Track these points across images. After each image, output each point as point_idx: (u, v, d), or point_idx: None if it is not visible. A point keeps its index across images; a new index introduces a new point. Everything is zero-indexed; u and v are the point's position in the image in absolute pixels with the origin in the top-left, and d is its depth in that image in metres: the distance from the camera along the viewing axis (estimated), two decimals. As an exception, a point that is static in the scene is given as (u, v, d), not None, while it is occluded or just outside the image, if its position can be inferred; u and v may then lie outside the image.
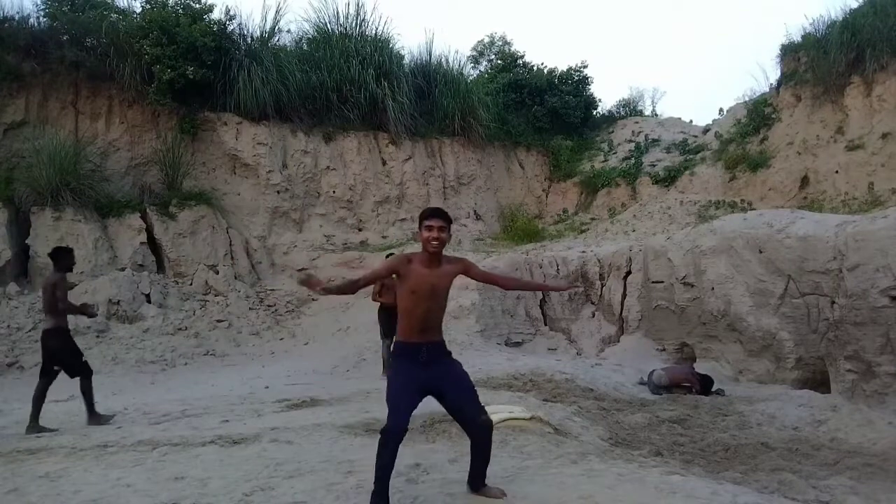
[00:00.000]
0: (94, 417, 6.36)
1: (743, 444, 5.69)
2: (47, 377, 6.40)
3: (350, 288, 3.80)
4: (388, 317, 9.49)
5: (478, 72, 21.68)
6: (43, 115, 13.17)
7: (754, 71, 46.61)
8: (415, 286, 3.54)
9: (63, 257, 6.64)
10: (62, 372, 6.50)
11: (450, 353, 3.76)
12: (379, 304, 9.48)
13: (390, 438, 3.36)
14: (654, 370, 8.58)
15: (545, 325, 11.82)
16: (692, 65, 46.31)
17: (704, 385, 8.22)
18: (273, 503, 3.67)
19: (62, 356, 6.44)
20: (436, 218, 3.56)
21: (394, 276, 3.65)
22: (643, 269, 11.07)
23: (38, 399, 6.22)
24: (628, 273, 11.57)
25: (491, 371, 8.63)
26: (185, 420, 6.21)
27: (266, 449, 4.83)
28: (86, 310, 6.97)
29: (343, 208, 15.13)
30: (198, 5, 14.11)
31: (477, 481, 3.63)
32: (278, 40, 15.82)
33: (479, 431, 3.58)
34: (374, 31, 16.60)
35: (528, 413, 5.27)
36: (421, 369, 3.55)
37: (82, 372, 6.44)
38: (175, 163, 13.54)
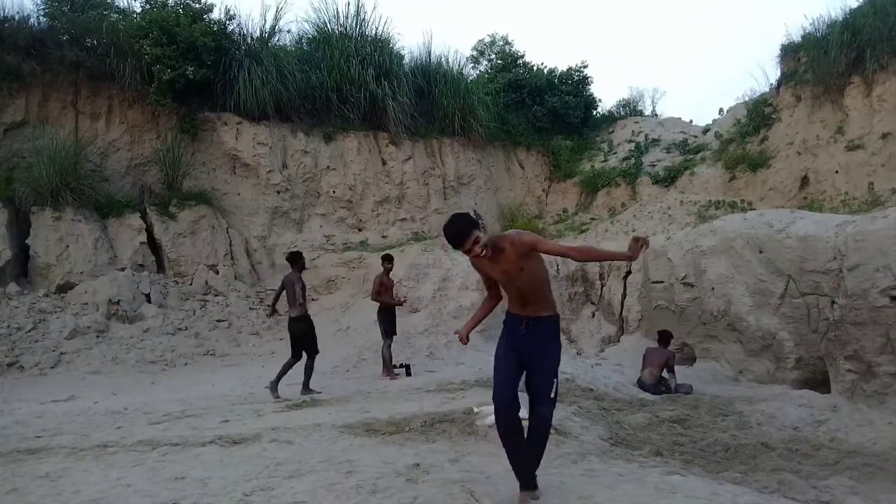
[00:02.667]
0: (307, 391, 7.80)
1: (743, 444, 5.69)
2: (296, 358, 7.96)
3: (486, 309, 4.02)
4: (387, 317, 9.51)
5: (478, 72, 21.67)
6: (43, 115, 13.16)
7: (754, 71, 46.72)
8: (494, 276, 3.73)
9: (299, 259, 8.33)
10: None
11: (554, 332, 3.83)
12: (378, 303, 9.50)
13: (497, 409, 3.53)
14: (639, 376, 8.59)
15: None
16: (692, 65, 46.35)
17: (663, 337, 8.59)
18: (273, 503, 3.67)
19: (305, 338, 7.99)
20: (459, 242, 3.46)
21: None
22: (643, 269, 11.07)
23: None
24: (628, 273, 11.57)
25: (491, 371, 8.63)
26: (185, 420, 6.22)
27: (266, 449, 4.83)
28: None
29: (343, 208, 15.12)
30: (198, 5, 14.11)
31: (521, 480, 3.63)
32: (278, 40, 15.84)
33: (533, 420, 3.64)
34: (374, 31, 16.60)
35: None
36: (519, 340, 3.66)
37: (314, 352, 8.07)
38: (175, 163, 13.53)
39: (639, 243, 3.38)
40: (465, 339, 3.83)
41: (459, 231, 3.45)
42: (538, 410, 3.63)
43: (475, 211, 17.06)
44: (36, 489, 4.07)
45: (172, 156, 13.53)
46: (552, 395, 3.67)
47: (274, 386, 7.69)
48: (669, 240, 10.76)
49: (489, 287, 3.92)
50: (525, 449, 3.62)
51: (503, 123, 18.14)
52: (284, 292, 8.24)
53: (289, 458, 4.49)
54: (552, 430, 5.19)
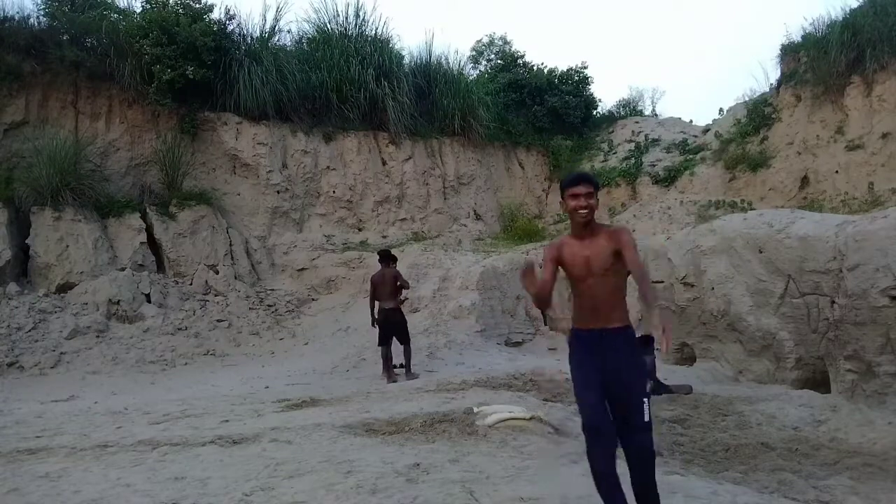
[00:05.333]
0: (410, 375, 8.70)
1: (743, 444, 5.68)
2: (387, 344, 8.86)
3: (545, 299, 3.35)
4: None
5: (478, 72, 21.66)
6: (43, 115, 13.17)
7: (754, 71, 46.69)
8: (570, 262, 3.22)
9: (390, 256, 9.37)
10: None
11: (636, 344, 3.28)
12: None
13: (590, 437, 2.99)
14: None
15: (545, 324, 11.81)
16: (692, 65, 46.31)
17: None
18: (273, 503, 3.67)
19: (400, 328, 8.95)
20: (583, 184, 3.21)
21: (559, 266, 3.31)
22: (643, 269, 11.06)
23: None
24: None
25: (491, 371, 8.64)
26: (185, 420, 6.21)
27: (266, 449, 4.83)
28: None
29: (343, 208, 15.13)
30: (198, 5, 14.11)
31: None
32: (278, 40, 15.83)
33: (633, 453, 3.06)
34: (373, 31, 16.61)
35: (528, 413, 5.27)
36: (598, 358, 3.13)
37: (408, 340, 9.03)
38: (175, 163, 13.54)
39: (662, 330, 3.03)
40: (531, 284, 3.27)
41: (593, 178, 3.33)
42: (636, 440, 3.06)
43: (475, 211, 17.08)
44: (36, 489, 4.07)
45: (172, 156, 13.54)
46: (647, 419, 3.09)
47: (408, 369, 8.84)
48: (669, 240, 10.76)
49: (548, 288, 3.31)
50: (634, 482, 3.07)
51: (503, 123, 18.13)
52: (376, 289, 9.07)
53: (289, 458, 4.49)
54: (552, 430, 5.21)
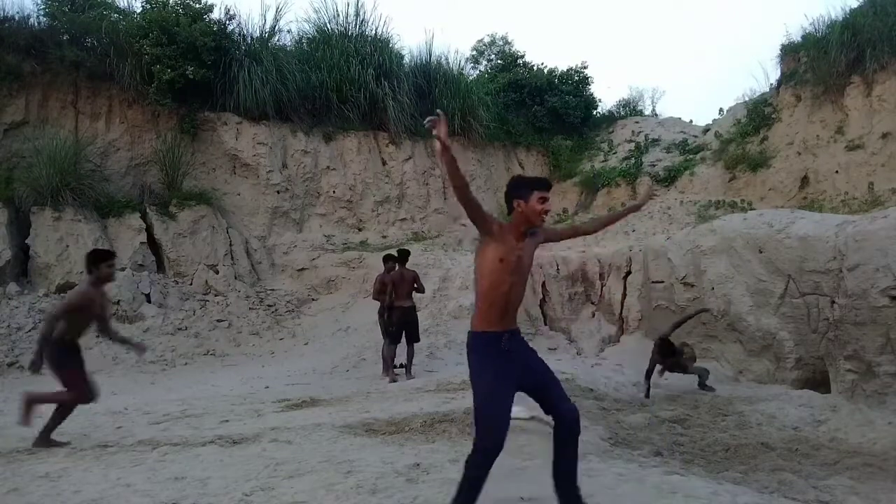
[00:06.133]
0: (410, 375, 8.88)
1: (743, 444, 5.69)
2: (399, 342, 9.03)
3: (459, 178, 3.08)
4: (387, 316, 9.51)
5: (478, 72, 21.66)
6: (43, 115, 13.17)
7: (754, 71, 46.62)
8: (504, 254, 3.16)
9: (406, 256, 9.57)
10: None
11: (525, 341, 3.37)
12: (379, 303, 9.51)
13: (488, 459, 3.02)
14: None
15: (545, 324, 11.81)
16: (692, 65, 46.27)
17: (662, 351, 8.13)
18: (273, 503, 3.67)
19: (414, 327, 9.15)
20: (550, 188, 3.31)
21: (484, 233, 3.23)
22: (643, 269, 11.07)
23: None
24: (628, 273, 11.57)
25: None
26: (185, 420, 6.22)
27: (266, 449, 4.83)
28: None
29: (343, 208, 15.13)
30: (198, 5, 14.11)
31: (561, 483, 3.23)
32: (278, 40, 15.83)
33: (565, 423, 3.21)
34: (373, 31, 16.61)
35: (528, 413, 5.26)
36: (506, 360, 3.14)
37: (418, 340, 9.25)
38: (175, 163, 13.54)
39: (647, 191, 3.36)
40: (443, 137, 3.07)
41: (549, 181, 3.43)
42: (569, 407, 3.23)
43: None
44: (36, 489, 4.07)
45: (172, 156, 13.54)
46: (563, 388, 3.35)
47: (408, 369, 8.97)
48: (669, 240, 10.76)
49: (473, 205, 3.13)
50: (562, 456, 3.22)
51: (503, 123, 18.13)
52: (393, 287, 9.20)
53: (289, 458, 4.49)
54: (552, 430, 5.20)
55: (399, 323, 9.09)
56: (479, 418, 3.16)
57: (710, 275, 9.29)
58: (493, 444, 3.04)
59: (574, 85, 19.53)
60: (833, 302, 7.33)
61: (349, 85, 15.17)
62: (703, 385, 8.09)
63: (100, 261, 5.42)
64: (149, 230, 12.71)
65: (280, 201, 14.43)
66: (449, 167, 3.01)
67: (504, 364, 3.16)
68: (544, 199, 3.25)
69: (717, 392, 7.95)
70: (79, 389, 5.28)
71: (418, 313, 11.18)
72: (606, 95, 45.52)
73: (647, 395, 7.85)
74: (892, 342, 6.48)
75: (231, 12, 14.91)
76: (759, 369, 8.61)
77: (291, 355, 11.16)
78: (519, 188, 3.30)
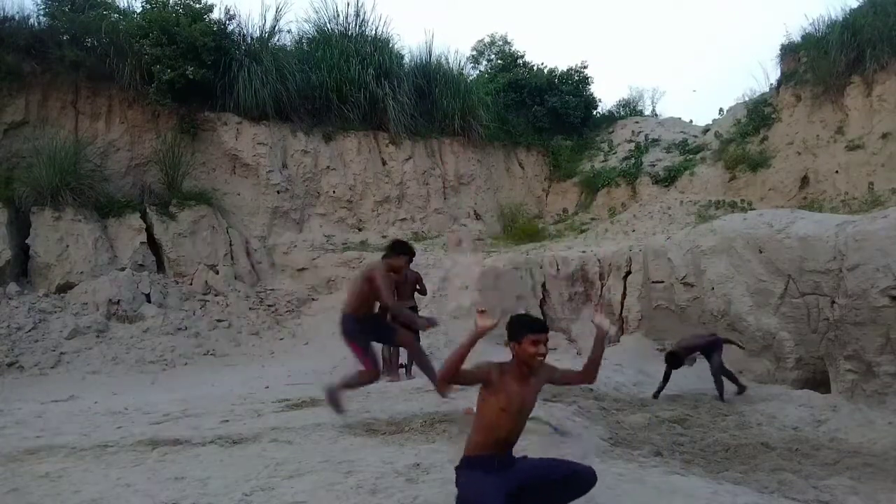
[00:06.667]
0: (410, 376, 8.65)
1: (743, 444, 5.69)
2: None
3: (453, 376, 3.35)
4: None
5: (478, 72, 21.67)
6: (43, 115, 13.16)
7: (754, 71, 46.67)
8: (505, 404, 3.20)
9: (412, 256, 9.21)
10: None
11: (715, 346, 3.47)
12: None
13: None
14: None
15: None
16: (692, 65, 46.27)
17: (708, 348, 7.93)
18: (273, 503, 3.67)
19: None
20: (546, 331, 3.30)
21: (484, 386, 3.29)
22: (643, 269, 11.07)
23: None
24: (628, 273, 11.57)
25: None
26: (185, 420, 6.21)
27: (266, 449, 4.83)
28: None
29: (343, 208, 15.13)
30: (198, 5, 14.10)
31: None
32: (278, 40, 15.81)
33: (580, 482, 3.25)
34: (373, 31, 16.62)
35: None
36: (496, 476, 3.18)
37: (417, 339, 8.70)
38: (175, 163, 13.53)
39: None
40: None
41: (544, 321, 3.43)
42: (584, 469, 3.35)
43: (475, 211, 17.08)
44: (36, 489, 4.07)
45: (172, 156, 13.53)
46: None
47: (409, 369, 8.81)
48: (669, 240, 10.77)
49: (464, 376, 3.32)
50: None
51: (503, 123, 18.13)
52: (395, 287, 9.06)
53: (289, 458, 4.49)
54: (552, 430, 5.21)
55: (401, 323, 9.07)
56: None
57: (710, 275, 9.30)
58: None
59: (574, 85, 19.54)
60: (833, 302, 7.33)
61: (349, 85, 15.17)
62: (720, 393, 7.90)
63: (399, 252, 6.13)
64: (149, 230, 12.71)
65: (280, 201, 14.43)
66: (459, 353, 3.21)
67: (496, 476, 3.17)
68: (536, 342, 3.21)
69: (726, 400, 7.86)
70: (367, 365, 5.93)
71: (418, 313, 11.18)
72: (606, 95, 45.52)
73: (656, 396, 7.81)
74: (892, 342, 6.48)
75: (231, 12, 14.93)
76: (759, 369, 8.62)
77: (291, 355, 11.16)
78: (513, 329, 3.29)
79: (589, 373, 3.74)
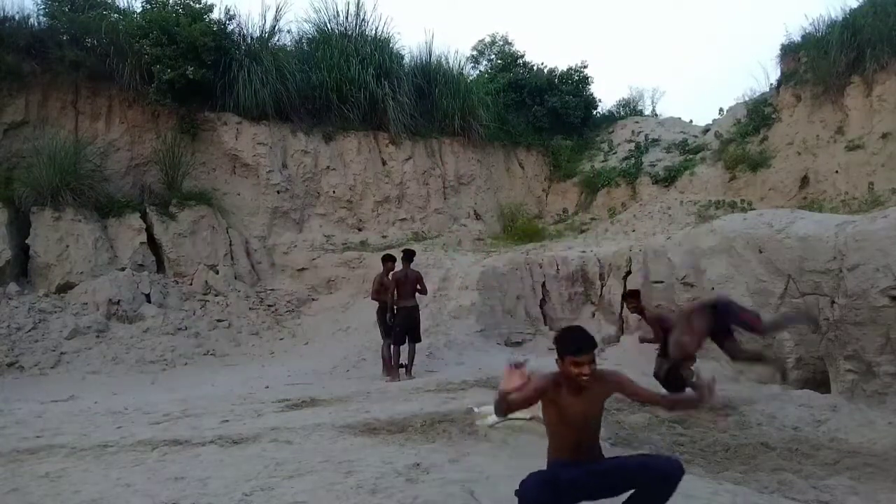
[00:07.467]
0: (410, 375, 8.86)
1: (743, 444, 5.68)
2: (403, 342, 9.05)
3: (509, 408, 3.25)
4: (390, 316, 9.51)
5: (478, 72, 21.66)
6: (43, 115, 13.17)
7: (754, 71, 46.62)
8: (563, 416, 3.18)
9: (412, 256, 9.57)
10: None
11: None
12: (378, 303, 9.50)
13: None
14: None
15: (545, 324, 11.82)
16: (692, 65, 46.30)
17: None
18: (273, 503, 3.67)
19: (417, 326, 9.21)
20: (587, 353, 3.12)
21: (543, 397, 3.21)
22: (643, 269, 11.06)
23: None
24: (628, 273, 11.56)
25: (491, 371, 8.62)
26: (185, 420, 6.21)
27: (266, 449, 4.83)
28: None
29: (343, 208, 15.13)
30: (198, 5, 14.11)
31: None
32: (278, 40, 15.82)
33: (657, 476, 3.13)
34: (373, 31, 16.62)
35: (529, 413, 5.25)
36: (574, 483, 3.14)
37: (418, 340, 9.24)
38: (175, 163, 13.54)
39: (707, 391, 3.21)
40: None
41: (595, 342, 3.21)
42: (663, 462, 3.26)
43: (475, 211, 17.07)
44: (36, 489, 4.07)
45: (172, 156, 13.54)
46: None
47: (409, 369, 8.93)
48: (669, 240, 10.75)
49: (515, 405, 3.22)
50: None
51: (503, 123, 18.13)
52: (396, 287, 9.20)
53: (289, 458, 4.49)
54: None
55: (402, 323, 9.07)
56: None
57: (710, 275, 9.28)
58: None
59: (574, 85, 19.54)
60: (833, 302, 7.32)
61: (349, 85, 15.17)
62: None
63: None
64: (149, 230, 12.71)
65: (280, 201, 14.43)
66: (498, 403, 3.17)
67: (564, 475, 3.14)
68: (578, 364, 3.10)
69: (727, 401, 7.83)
70: None
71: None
72: (606, 95, 45.49)
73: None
74: (892, 342, 6.48)
75: (231, 12, 14.97)
76: (759, 369, 8.61)
77: (291, 355, 11.16)
78: (557, 347, 3.23)
79: (667, 405, 3.75)
